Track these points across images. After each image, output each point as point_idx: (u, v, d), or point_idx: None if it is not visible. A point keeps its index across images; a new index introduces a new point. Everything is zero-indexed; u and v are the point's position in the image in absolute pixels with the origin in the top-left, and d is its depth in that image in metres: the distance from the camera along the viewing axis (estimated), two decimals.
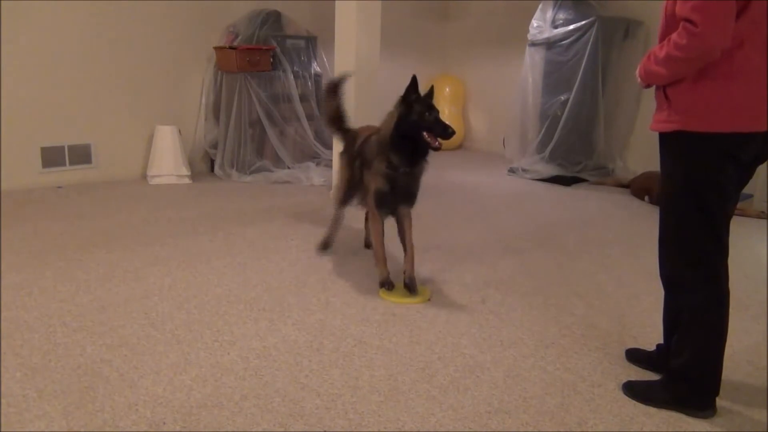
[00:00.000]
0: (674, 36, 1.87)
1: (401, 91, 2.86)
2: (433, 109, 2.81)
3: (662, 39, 2.01)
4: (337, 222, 3.60)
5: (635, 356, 2.45)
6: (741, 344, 2.65)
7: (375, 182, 2.95)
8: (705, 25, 1.78)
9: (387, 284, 3.05)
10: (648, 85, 2.09)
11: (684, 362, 2.08)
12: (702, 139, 1.93)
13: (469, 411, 2.09)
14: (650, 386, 2.20)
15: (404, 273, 3.08)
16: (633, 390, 2.21)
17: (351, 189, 3.35)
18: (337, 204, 3.52)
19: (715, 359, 2.06)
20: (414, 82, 2.82)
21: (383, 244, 3.08)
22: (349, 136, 3.46)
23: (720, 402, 2.14)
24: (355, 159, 3.13)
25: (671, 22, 1.93)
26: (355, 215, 3.83)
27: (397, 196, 2.97)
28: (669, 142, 2.03)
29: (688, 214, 2.01)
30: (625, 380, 2.28)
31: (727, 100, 1.90)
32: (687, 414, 2.09)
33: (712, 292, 2.03)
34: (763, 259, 3.82)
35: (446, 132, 2.76)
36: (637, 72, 2.09)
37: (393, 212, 3.08)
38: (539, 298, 3.09)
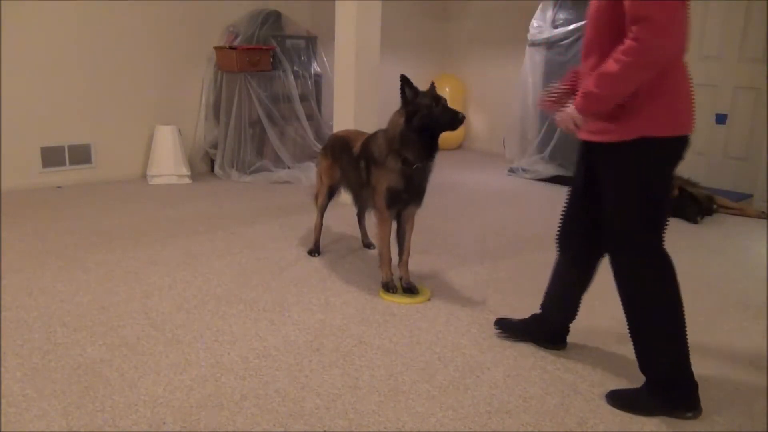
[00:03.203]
0: (629, 43, 1.81)
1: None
2: (439, 100, 2.78)
3: (588, 45, 2.04)
4: (320, 227, 3.63)
5: (505, 325, 2.63)
6: (741, 344, 2.65)
7: (388, 180, 2.90)
8: (665, 20, 1.76)
9: (391, 287, 3.04)
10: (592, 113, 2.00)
11: (658, 371, 2.09)
12: (663, 142, 1.95)
13: (469, 411, 2.09)
14: (635, 396, 2.16)
15: (401, 279, 3.08)
16: (619, 400, 2.17)
17: (332, 194, 3.54)
18: (319, 210, 3.60)
19: (686, 356, 2.06)
20: (403, 81, 2.79)
21: (390, 245, 3.07)
22: (335, 142, 3.48)
23: (720, 402, 2.14)
24: (358, 161, 3.11)
25: (600, 25, 1.96)
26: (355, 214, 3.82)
27: (409, 194, 2.95)
28: (624, 149, 1.99)
29: (646, 218, 2.03)
30: (624, 382, 2.28)
31: (682, 104, 1.96)
32: (677, 417, 2.07)
33: (672, 292, 2.05)
34: (763, 259, 3.82)
35: (457, 119, 2.74)
36: (575, 110, 1.99)
37: (399, 213, 3.06)
38: (539, 298, 3.07)
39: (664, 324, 2.07)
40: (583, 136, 2.11)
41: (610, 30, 1.93)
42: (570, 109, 2.02)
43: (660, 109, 1.92)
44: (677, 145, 1.99)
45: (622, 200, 2.06)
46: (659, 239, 2.06)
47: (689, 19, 1.84)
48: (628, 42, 1.82)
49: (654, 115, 1.93)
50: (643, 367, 2.14)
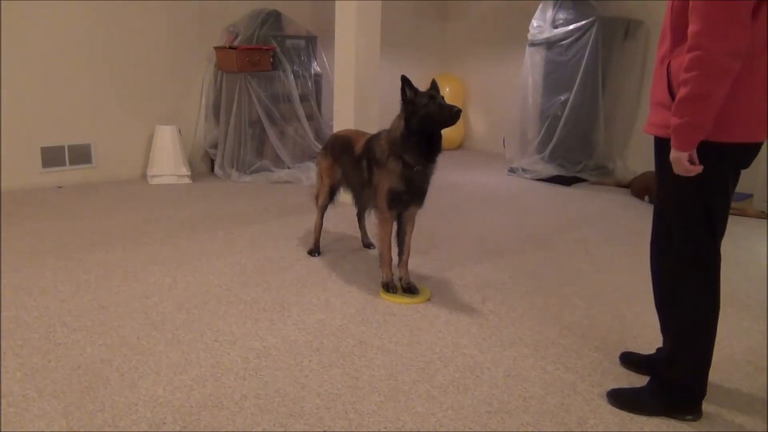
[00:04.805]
0: (688, 57, 1.72)
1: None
2: (434, 98, 2.77)
3: (662, 32, 1.93)
4: (320, 227, 3.63)
5: (630, 360, 2.42)
6: (741, 344, 2.65)
7: (389, 182, 2.91)
8: (708, 28, 1.67)
9: (391, 287, 3.04)
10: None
11: (681, 373, 2.06)
12: (716, 148, 1.82)
13: (469, 411, 2.09)
14: (638, 395, 2.14)
15: (401, 280, 3.08)
16: (619, 399, 2.15)
17: (333, 194, 3.54)
18: (319, 210, 3.60)
19: (709, 366, 2.05)
20: (404, 82, 2.79)
21: (390, 246, 3.07)
22: (336, 141, 3.48)
23: (721, 402, 2.14)
24: (360, 161, 3.11)
25: (679, 22, 1.82)
26: (355, 214, 3.82)
27: (410, 196, 2.95)
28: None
29: (695, 222, 1.94)
30: (623, 381, 2.28)
31: (746, 109, 1.80)
32: (676, 419, 2.07)
33: (711, 301, 2.00)
34: (763, 259, 3.82)
35: (452, 113, 2.72)
36: (674, 150, 1.83)
37: (400, 213, 3.06)
38: (539, 298, 3.09)
39: (693, 332, 2.03)
40: (645, 127, 2.01)
41: (681, 21, 1.81)
42: (672, 153, 1.85)
43: (721, 113, 1.77)
44: (739, 153, 1.86)
45: (671, 200, 1.98)
46: (706, 247, 1.95)
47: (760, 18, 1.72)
48: (687, 56, 1.71)
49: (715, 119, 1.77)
50: (667, 363, 2.11)
